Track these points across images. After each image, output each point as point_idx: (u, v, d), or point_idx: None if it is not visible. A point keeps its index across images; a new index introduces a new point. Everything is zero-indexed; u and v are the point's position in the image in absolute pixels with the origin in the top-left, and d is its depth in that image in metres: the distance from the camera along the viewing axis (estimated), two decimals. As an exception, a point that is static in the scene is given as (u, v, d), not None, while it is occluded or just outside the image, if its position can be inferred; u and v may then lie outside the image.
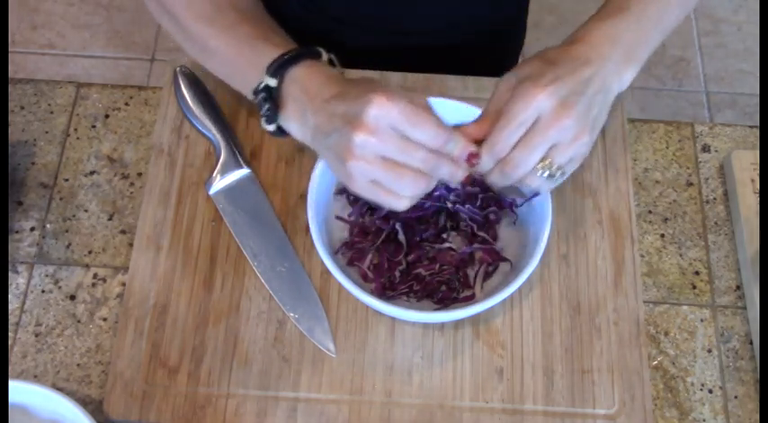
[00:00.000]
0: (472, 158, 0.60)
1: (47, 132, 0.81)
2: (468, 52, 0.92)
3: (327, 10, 0.86)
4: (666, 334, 0.74)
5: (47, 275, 0.74)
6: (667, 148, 0.82)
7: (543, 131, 0.59)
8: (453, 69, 0.82)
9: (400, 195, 0.59)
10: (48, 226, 0.76)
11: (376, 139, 0.56)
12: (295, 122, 0.63)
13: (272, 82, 0.62)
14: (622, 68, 0.64)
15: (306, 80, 0.62)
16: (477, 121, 0.63)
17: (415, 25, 0.88)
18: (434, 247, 0.71)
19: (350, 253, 0.71)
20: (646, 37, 0.66)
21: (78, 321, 0.72)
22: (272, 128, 0.65)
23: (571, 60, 0.61)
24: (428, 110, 0.58)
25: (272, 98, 0.63)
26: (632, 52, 0.64)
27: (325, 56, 0.65)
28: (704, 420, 0.70)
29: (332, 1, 0.86)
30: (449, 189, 0.72)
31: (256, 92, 0.63)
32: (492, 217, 0.72)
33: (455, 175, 0.60)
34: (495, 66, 0.96)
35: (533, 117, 0.59)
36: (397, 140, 0.57)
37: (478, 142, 0.61)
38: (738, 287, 0.76)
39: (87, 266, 0.74)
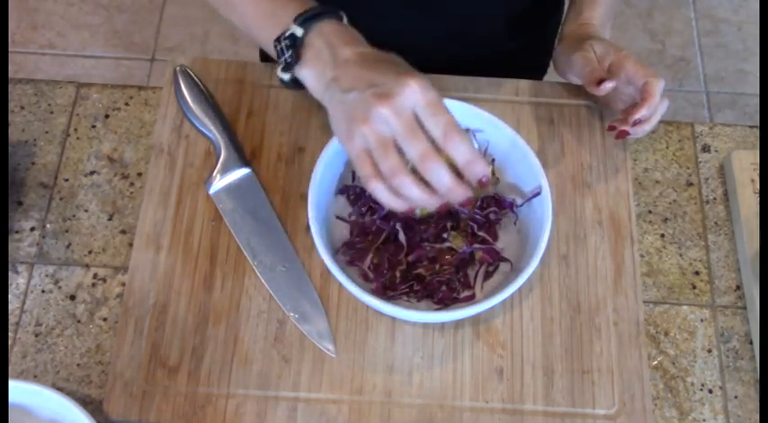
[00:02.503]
0: (483, 180, 0.61)
1: (47, 132, 0.81)
2: (512, 61, 0.95)
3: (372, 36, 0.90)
4: (666, 334, 0.74)
5: (47, 275, 0.74)
6: (667, 148, 0.82)
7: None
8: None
9: (381, 177, 0.60)
10: (48, 226, 0.76)
11: (395, 117, 0.58)
12: (312, 71, 0.66)
13: (299, 31, 0.65)
14: None
15: (331, 34, 0.65)
16: (595, 70, 0.74)
17: (461, 34, 0.91)
18: (434, 247, 0.71)
19: (350, 253, 0.71)
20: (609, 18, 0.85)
21: (78, 321, 0.72)
22: (286, 76, 0.67)
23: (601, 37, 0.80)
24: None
25: (295, 47, 0.66)
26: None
27: (345, 20, 0.68)
28: (704, 420, 0.70)
29: (375, 30, 0.90)
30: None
31: (279, 40, 0.66)
32: (492, 217, 0.72)
33: (455, 188, 0.60)
34: (532, 70, 0.99)
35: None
36: (410, 122, 0.59)
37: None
38: (738, 287, 0.76)
39: (87, 266, 0.74)
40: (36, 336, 0.71)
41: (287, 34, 0.66)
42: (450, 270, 0.70)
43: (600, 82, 0.72)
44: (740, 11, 1.96)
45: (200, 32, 1.87)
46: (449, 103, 0.72)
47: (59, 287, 0.73)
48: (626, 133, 0.72)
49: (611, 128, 0.74)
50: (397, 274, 0.70)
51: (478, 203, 0.73)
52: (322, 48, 0.65)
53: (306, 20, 0.66)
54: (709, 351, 0.73)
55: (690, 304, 0.75)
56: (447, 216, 0.72)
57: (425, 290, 0.70)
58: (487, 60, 0.90)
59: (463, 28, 0.89)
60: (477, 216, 0.72)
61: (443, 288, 0.70)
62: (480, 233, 0.72)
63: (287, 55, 0.66)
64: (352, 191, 0.73)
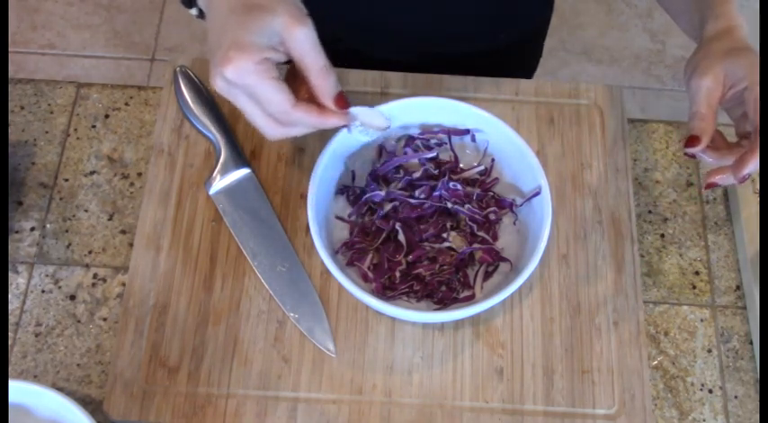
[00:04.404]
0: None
1: (47, 132, 0.81)
2: (499, 58, 0.94)
3: (359, 23, 0.87)
4: (666, 334, 0.74)
5: (47, 275, 0.74)
6: (667, 148, 0.82)
7: None
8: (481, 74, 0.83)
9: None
10: (48, 226, 0.76)
11: (237, 87, 0.58)
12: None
13: None
14: None
15: None
16: (699, 117, 0.63)
17: (447, 32, 0.89)
18: (434, 247, 0.71)
19: (350, 253, 0.71)
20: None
21: (78, 321, 0.72)
22: (194, 12, 0.64)
23: (749, 50, 0.68)
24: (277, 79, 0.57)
25: None
26: None
27: None
28: (704, 420, 0.70)
29: (361, 15, 0.86)
30: (448, 189, 0.72)
31: None
32: (492, 217, 0.72)
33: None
34: (518, 69, 0.98)
35: None
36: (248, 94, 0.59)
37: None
38: (738, 287, 0.76)
39: (87, 266, 0.74)
40: (36, 336, 0.71)
41: None
42: (449, 270, 0.70)
43: (692, 140, 0.62)
44: (740, 11, 1.96)
45: (200, 32, 1.87)
46: (448, 103, 0.73)
47: (59, 287, 0.73)
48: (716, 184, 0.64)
49: (712, 185, 0.63)
50: (397, 274, 0.70)
51: (476, 202, 0.73)
52: None
53: None
54: (710, 351, 0.73)
55: (690, 304, 0.75)
56: (447, 216, 0.73)
57: (425, 290, 0.70)
58: (473, 58, 0.90)
59: (447, 27, 0.88)
60: (477, 216, 0.72)
61: (443, 288, 0.70)
62: (480, 233, 0.72)
63: None
64: (351, 191, 0.73)
